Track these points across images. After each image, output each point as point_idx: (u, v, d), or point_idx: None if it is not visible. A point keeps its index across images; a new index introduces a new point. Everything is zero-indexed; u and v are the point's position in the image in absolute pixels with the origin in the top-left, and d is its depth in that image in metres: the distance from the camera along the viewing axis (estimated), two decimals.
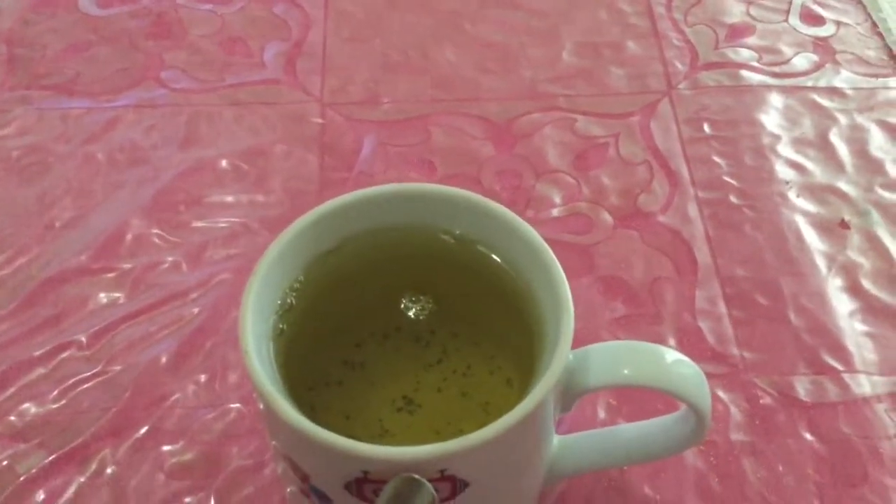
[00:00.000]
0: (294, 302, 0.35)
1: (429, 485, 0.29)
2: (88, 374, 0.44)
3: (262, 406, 0.32)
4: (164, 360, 0.45)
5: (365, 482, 0.30)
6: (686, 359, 0.34)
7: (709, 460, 0.42)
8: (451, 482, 0.31)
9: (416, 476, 0.29)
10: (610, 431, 0.38)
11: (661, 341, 0.46)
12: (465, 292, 0.37)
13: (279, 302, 0.35)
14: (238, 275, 0.48)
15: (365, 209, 0.36)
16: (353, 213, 0.36)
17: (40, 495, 0.40)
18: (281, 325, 0.34)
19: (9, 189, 0.51)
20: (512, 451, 0.31)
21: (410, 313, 0.37)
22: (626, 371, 0.33)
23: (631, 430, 0.38)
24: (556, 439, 0.38)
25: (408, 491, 0.29)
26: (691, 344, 0.46)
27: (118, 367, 0.44)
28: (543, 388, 0.30)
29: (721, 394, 0.44)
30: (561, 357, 0.31)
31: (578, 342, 0.33)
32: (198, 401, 0.43)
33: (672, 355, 0.34)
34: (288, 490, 0.37)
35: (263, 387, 0.30)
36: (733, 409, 0.44)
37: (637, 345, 0.34)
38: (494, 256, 0.36)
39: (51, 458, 0.41)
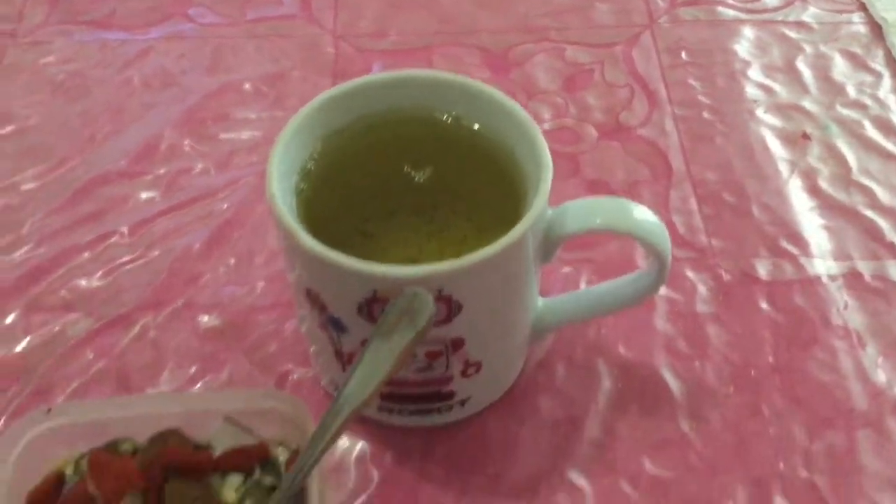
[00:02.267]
0: (312, 168, 0.41)
1: (430, 296, 0.34)
2: (129, 257, 0.50)
3: (285, 243, 0.37)
4: (196, 246, 0.51)
5: (374, 301, 0.36)
6: (650, 212, 0.39)
7: (677, 326, 0.47)
8: (447, 303, 0.36)
9: (420, 290, 0.34)
10: (585, 290, 0.44)
11: None
12: (461, 166, 0.42)
13: (300, 166, 0.40)
14: (260, 178, 0.54)
15: (373, 92, 0.42)
16: (363, 95, 0.42)
17: (90, 354, 0.46)
18: (301, 185, 0.40)
19: (53, 107, 0.57)
20: (499, 275, 0.37)
21: (413, 187, 0.42)
22: (598, 220, 0.39)
23: (602, 287, 0.44)
24: (541, 301, 0.43)
25: (411, 303, 0.34)
26: None
27: (156, 252, 0.50)
28: (527, 220, 0.36)
29: (689, 273, 0.50)
30: (542, 198, 0.36)
31: None
32: (227, 279, 0.49)
33: (638, 208, 0.39)
34: (305, 331, 0.42)
35: (287, 221, 0.36)
36: (700, 287, 0.49)
37: (608, 199, 0.40)
38: (486, 133, 0.42)
39: (97, 325, 0.47)
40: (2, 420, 0.44)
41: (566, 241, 0.39)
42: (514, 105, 0.41)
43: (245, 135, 0.56)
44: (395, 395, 0.41)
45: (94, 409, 0.37)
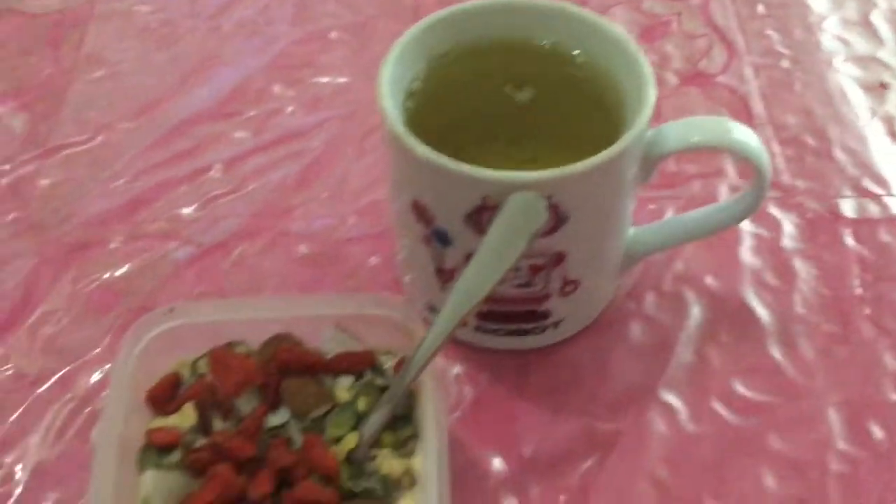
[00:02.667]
0: (418, 88, 0.42)
1: (543, 200, 0.35)
2: (225, 190, 0.52)
3: (395, 154, 0.39)
4: (288, 181, 0.52)
5: (483, 210, 0.37)
6: (748, 128, 0.40)
7: (764, 260, 0.48)
8: (555, 212, 0.37)
9: (532, 193, 0.35)
10: (676, 217, 0.45)
11: (722, 172, 0.52)
12: (559, 93, 0.43)
13: (406, 85, 0.41)
14: (348, 121, 0.55)
15: (475, 18, 0.43)
16: (465, 21, 0.43)
17: (191, 278, 0.48)
18: (407, 103, 0.41)
19: (147, 53, 0.59)
20: (604, 185, 0.38)
21: (512, 113, 0.43)
22: (695, 138, 0.40)
23: (693, 214, 0.44)
24: (633, 230, 0.44)
25: (524, 205, 0.35)
26: (747, 175, 0.52)
27: (251, 186, 0.52)
28: (634, 131, 0.37)
29: (774, 211, 0.50)
30: (647, 110, 0.37)
31: None
32: (319, 212, 0.51)
33: (736, 125, 0.40)
34: (405, 253, 0.43)
35: (399, 129, 0.37)
36: (785, 223, 0.50)
37: (707, 117, 0.41)
38: (585, 59, 0.43)
39: (197, 252, 0.49)
40: (107, 338, 0.45)
41: (666, 159, 0.40)
42: (613, 28, 0.42)
43: (331, 79, 0.57)
44: (493, 313, 0.42)
45: (213, 310, 0.39)
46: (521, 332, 0.44)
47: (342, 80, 0.57)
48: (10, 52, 0.59)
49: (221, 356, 0.37)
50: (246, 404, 0.37)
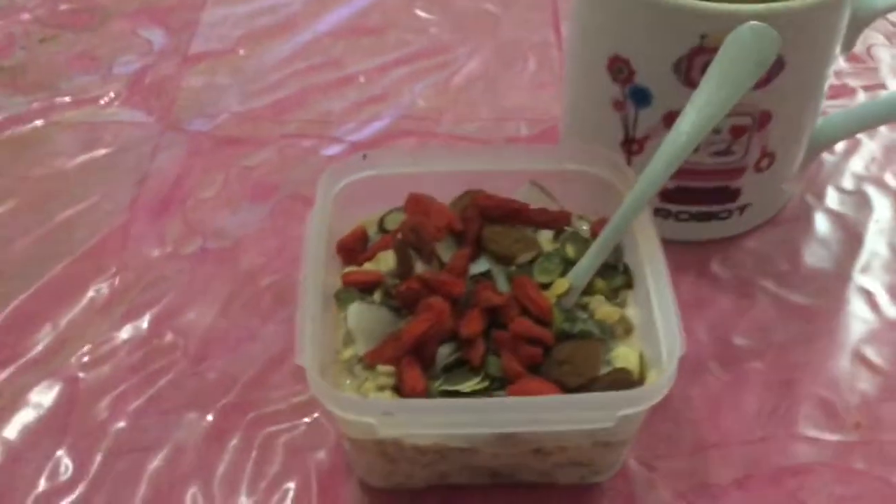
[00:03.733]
0: None
1: (773, 30, 0.33)
2: (372, 94, 0.50)
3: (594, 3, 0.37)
4: (438, 87, 0.51)
5: (699, 53, 0.35)
6: None
7: None
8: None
9: (761, 24, 0.33)
10: (866, 102, 0.43)
11: (884, 86, 0.50)
12: None
13: None
14: (493, 37, 0.54)
15: None
16: None
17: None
18: None
19: None
20: (823, 30, 0.36)
21: None
22: None
23: (884, 96, 0.42)
24: (820, 119, 0.42)
25: (751, 37, 0.33)
26: None
27: (398, 93, 0.50)
28: None
29: None
30: None
31: None
32: (472, 116, 0.49)
33: None
34: (583, 125, 0.41)
35: None
36: None
37: None
38: None
39: (349, 149, 0.47)
40: (266, 221, 0.43)
41: (873, 21, 0.39)
42: None
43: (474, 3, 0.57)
44: (680, 190, 0.40)
45: (406, 160, 0.37)
46: (704, 217, 0.42)
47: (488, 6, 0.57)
48: None
49: (419, 200, 0.35)
50: (446, 252, 0.35)
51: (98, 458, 0.35)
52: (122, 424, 0.36)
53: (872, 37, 0.53)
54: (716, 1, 0.36)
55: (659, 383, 0.29)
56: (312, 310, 0.31)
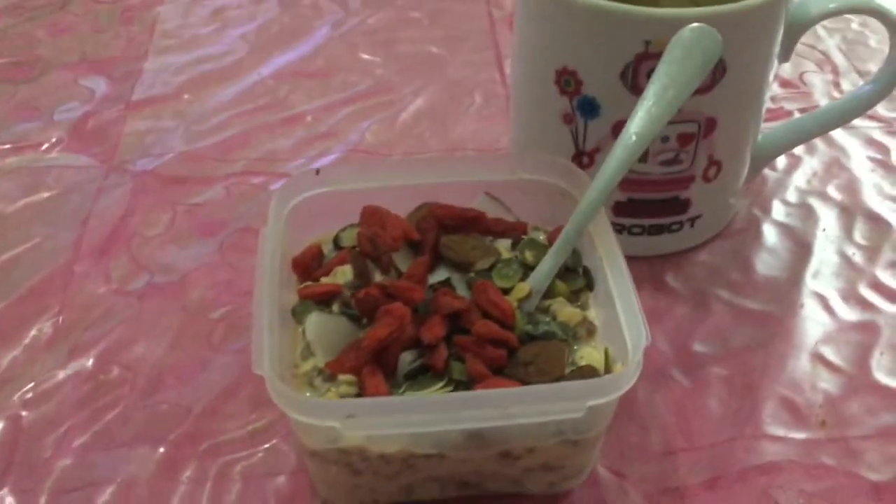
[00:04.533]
0: None
1: (715, 31, 0.34)
2: (320, 132, 0.50)
3: (540, 16, 0.38)
4: (386, 125, 0.51)
5: (644, 59, 0.36)
6: None
7: (881, 174, 0.47)
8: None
9: (704, 25, 0.34)
10: (805, 115, 0.44)
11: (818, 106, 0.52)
12: None
13: None
14: (440, 80, 0.55)
15: None
16: None
17: None
18: None
19: (222, 29, 0.59)
20: (763, 33, 0.37)
21: None
22: (833, 5, 0.39)
23: (823, 108, 0.44)
24: (761, 135, 0.43)
25: (695, 38, 0.34)
26: None
27: (347, 130, 0.50)
28: None
29: (879, 137, 0.50)
30: None
31: None
32: (422, 150, 0.49)
33: None
34: (532, 142, 0.41)
35: None
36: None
37: None
38: None
39: None
40: (215, 255, 0.42)
41: (807, 30, 0.40)
42: None
43: (418, 48, 0.57)
44: (633, 202, 0.40)
45: (360, 174, 0.36)
46: (657, 230, 0.42)
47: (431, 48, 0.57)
48: (83, 31, 0.58)
49: (375, 212, 0.35)
50: (403, 262, 0.34)
51: (43, 498, 0.33)
52: (67, 461, 0.34)
53: (804, 64, 0.55)
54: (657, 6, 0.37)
55: (626, 372, 0.29)
56: (269, 321, 0.31)
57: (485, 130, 0.50)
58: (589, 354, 0.32)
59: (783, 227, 0.44)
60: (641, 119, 0.34)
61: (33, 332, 0.39)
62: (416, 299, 0.32)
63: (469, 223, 0.35)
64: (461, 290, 0.34)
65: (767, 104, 0.42)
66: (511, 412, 0.28)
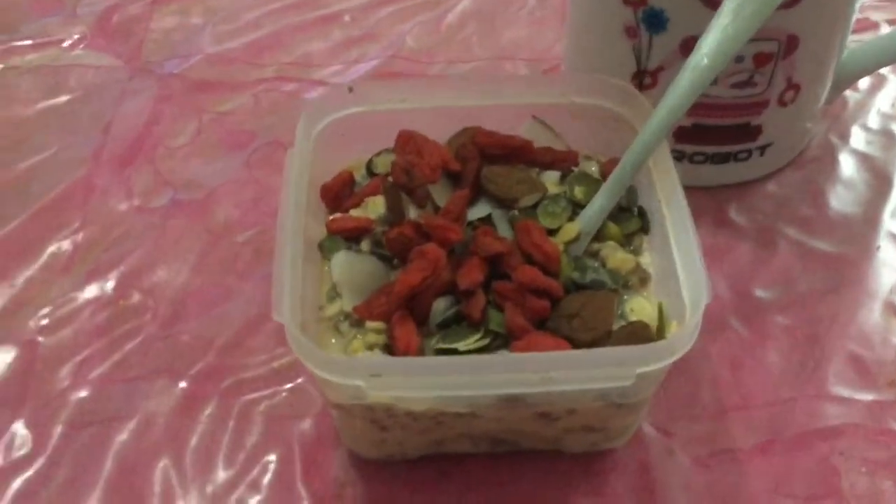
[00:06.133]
0: None
1: None
2: (357, 34, 0.47)
3: None
4: (429, 28, 0.47)
5: None
6: None
7: None
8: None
9: None
10: (891, 31, 0.39)
11: None
12: None
13: None
14: None
15: None
16: None
17: None
18: None
19: None
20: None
21: None
22: None
23: None
24: (845, 52, 0.39)
25: None
26: None
27: (385, 33, 0.47)
28: None
29: None
30: None
31: None
32: (466, 57, 0.45)
33: None
34: (591, 57, 0.38)
35: None
36: None
37: None
38: None
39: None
40: (243, 170, 0.40)
41: None
42: None
43: None
44: (698, 127, 0.37)
45: (396, 94, 0.33)
46: (722, 158, 0.38)
47: None
48: None
49: (411, 138, 0.32)
50: (441, 196, 0.31)
51: (58, 430, 0.32)
52: (84, 393, 0.33)
53: None
54: None
55: (682, 336, 0.26)
56: (292, 260, 0.28)
57: (537, 36, 0.46)
58: (640, 307, 0.29)
59: (861, 157, 0.40)
60: (715, 39, 0.30)
61: (51, 249, 0.37)
62: (453, 240, 0.29)
63: (514, 153, 0.32)
64: (503, 229, 0.31)
65: (856, 14, 0.38)
66: (551, 377, 0.25)
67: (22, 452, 0.31)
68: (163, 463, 0.31)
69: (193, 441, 0.31)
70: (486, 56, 0.45)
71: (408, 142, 0.32)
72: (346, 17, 0.47)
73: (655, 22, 0.34)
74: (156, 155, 0.41)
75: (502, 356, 0.27)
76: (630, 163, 0.31)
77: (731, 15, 0.30)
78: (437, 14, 0.48)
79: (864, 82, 0.43)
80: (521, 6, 0.48)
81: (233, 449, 0.31)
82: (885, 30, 0.46)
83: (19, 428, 0.32)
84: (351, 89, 0.33)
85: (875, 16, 0.47)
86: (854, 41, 0.45)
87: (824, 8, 0.34)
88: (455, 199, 0.30)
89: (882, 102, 0.43)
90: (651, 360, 0.26)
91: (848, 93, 0.43)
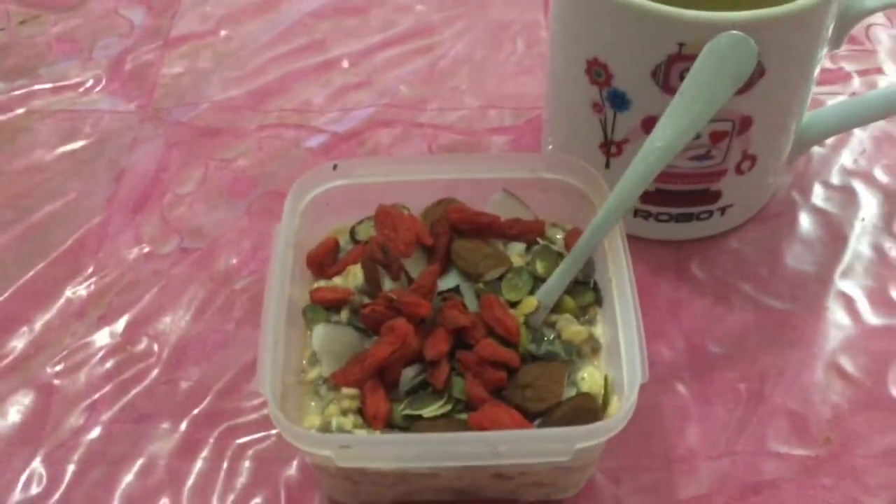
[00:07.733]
0: None
1: (751, 42, 0.32)
2: (355, 81, 0.49)
3: (572, 3, 0.36)
4: (422, 74, 0.50)
5: (676, 61, 0.34)
6: None
7: None
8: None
9: (741, 34, 0.32)
10: (850, 99, 0.42)
11: (881, 70, 0.49)
12: None
13: None
14: (480, 15, 0.53)
15: None
16: None
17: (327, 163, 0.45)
18: None
19: None
20: (805, 35, 0.35)
21: None
22: None
23: (869, 95, 0.41)
24: (806, 115, 0.41)
25: (729, 47, 0.32)
26: None
27: (381, 78, 0.49)
28: None
29: None
30: None
31: None
32: (455, 104, 0.48)
33: None
34: (562, 126, 0.40)
35: None
36: None
37: None
38: None
39: (331, 140, 0.47)
40: (243, 219, 0.43)
41: (861, 20, 0.37)
42: None
43: None
44: (661, 193, 0.39)
45: (378, 169, 0.36)
46: (685, 218, 0.41)
47: None
48: None
49: (388, 214, 0.35)
50: (414, 267, 0.34)
51: (70, 469, 0.35)
52: (94, 435, 0.36)
53: (872, 17, 0.52)
54: (695, 9, 0.35)
55: (617, 417, 0.29)
56: (275, 333, 0.31)
57: (523, 86, 0.49)
58: (591, 376, 0.33)
59: (820, 214, 0.43)
60: (667, 130, 0.33)
61: (67, 294, 0.41)
62: (423, 314, 0.32)
63: (483, 228, 0.35)
64: (470, 299, 0.34)
65: (824, 64, 0.39)
66: (500, 451, 0.29)
67: (38, 490, 0.35)
68: (163, 502, 0.35)
69: (190, 481, 0.35)
70: (473, 105, 0.48)
71: (385, 218, 0.35)
72: (345, 63, 0.50)
73: (618, 101, 0.37)
74: (164, 202, 0.44)
75: (454, 435, 0.30)
76: (587, 242, 0.34)
77: (681, 108, 0.33)
78: (430, 60, 0.50)
79: (832, 137, 0.46)
80: (511, 52, 0.51)
81: (225, 490, 0.35)
82: (856, 82, 0.48)
83: (38, 466, 0.36)
84: (335, 167, 0.36)
85: (848, 66, 0.49)
86: (823, 93, 0.48)
87: (777, 92, 0.36)
88: (426, 275, 0.34)
89: (846, 158, 0.45)
90: (587, 438, 0.29)
91: (815, 148, 0.45)
